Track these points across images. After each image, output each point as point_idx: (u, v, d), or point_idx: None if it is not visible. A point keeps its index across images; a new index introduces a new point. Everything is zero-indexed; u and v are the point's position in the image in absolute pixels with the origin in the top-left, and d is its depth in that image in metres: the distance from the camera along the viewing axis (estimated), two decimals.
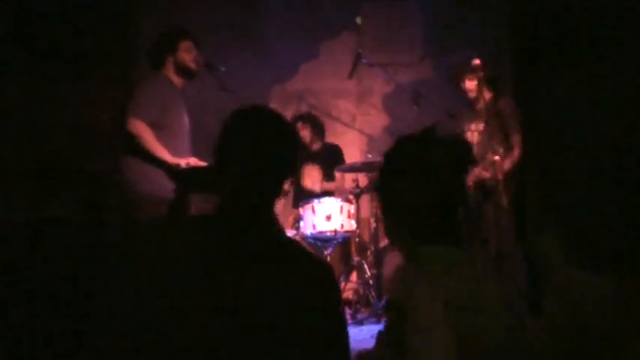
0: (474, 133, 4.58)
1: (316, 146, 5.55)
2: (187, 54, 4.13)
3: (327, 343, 1.39)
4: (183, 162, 3.86)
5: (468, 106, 4.63)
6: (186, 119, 4.15)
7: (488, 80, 4.52)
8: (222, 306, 1.33)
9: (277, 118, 1.61)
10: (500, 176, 4.22)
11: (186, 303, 1.32)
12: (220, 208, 1.48)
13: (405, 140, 1.60)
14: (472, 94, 4.52)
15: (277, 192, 1.55)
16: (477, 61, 4.47)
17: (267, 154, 1.50)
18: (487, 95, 4.55)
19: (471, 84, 4.51)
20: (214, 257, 1.38)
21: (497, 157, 4.31)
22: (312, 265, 1.47)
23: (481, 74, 4.42)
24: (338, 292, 1.52)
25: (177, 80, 4.13)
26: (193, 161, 3.90)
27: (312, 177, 5.50)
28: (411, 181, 1.46)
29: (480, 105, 4.48)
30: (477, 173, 4.32)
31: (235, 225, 1.44)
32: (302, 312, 1.36)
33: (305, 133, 5.47)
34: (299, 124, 5.48)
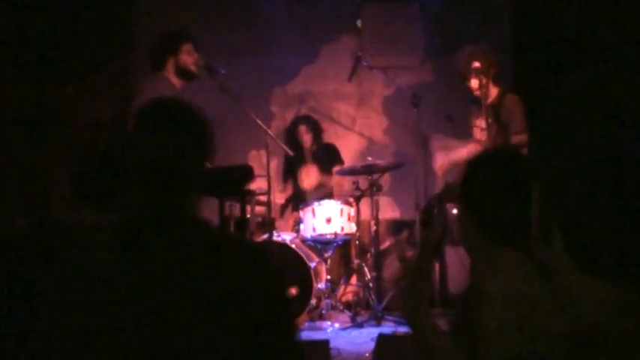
0: (478, 129, 4.57)
1: (312, 147, 5.55)
2: (189, 56, 4.12)
3: (269, 331, 1.33)
4: None
5: (473, 103, 4.62)
6: None
7: (495, 77, 4.51)
8: (153, 310, 1.28)
9: (180, 110, 1.49)
10: None
11: (112, 313, 1.28)
12: (132, 208, 1.41)
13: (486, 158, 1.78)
14: (477, 92, 4.51)
15: (189, 185, 1.46)
16: (476, 64, 4.46)
17: (169, 149, 1.41)
18: (493, 92, 4.53)
19: (475, 82, 4.51)
20: (138, 259, 1.33)
21: None
22: (244, 253, 1.39)
23: (483, 75, 4.41)
24: (273, 276, 1.42)
25: (176, 81, 4.12)
26: None
27: (309, 177, 5.49)
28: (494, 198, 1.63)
29: (486, 102, 4.47)
30: None
31: (150, 225, 1.38)
32: (238, 302, 1.30)
33: (307, 138, 5.46)
34: (302, 128, 5.46)
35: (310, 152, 5.51)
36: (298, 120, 5.57)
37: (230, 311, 1.29)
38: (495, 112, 4.47)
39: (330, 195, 5.40)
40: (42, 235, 1.53)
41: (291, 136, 5.51)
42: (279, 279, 1.48)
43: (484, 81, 4.44)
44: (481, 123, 4.51)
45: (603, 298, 1.28)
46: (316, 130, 5.51)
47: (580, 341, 1.25)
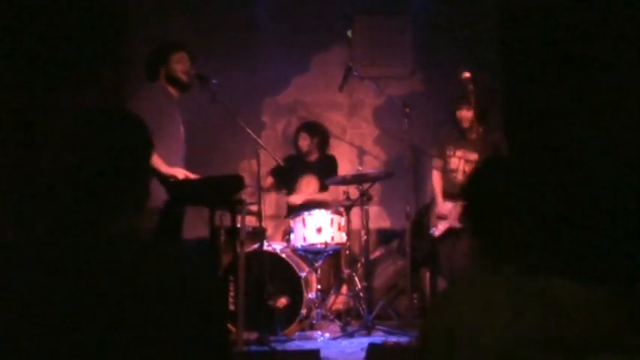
0: (460, 160, 4.66)
1: (314, 157, 5.54)
2: (178, 65, 4.12)
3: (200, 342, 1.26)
4: (180, 174, 3.84)
5: (455, 131, 4.70)
6: (182, 129, 4.15)
7: (480, 115, 4.60)
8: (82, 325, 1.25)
9: (114, 117, 1.40)
10: None
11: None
12: (59, 220, 1.32)
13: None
14: (465, 125, 4.61)
15: (122, 195, 1.35)
16: (466, 74, 4.50)
17: (95, 156, 1.33)
18: (480, 129, 4.61)
19: (466, 114, 4.61)
20: (64, 273, 1.28)
21: None
22: (172, 267, 1.31)
23: (475, 102, 4.50)
24: (204, 290, 1.33)
25: (172, 91, 4.13)
26: (191, 176, 3.90)
27: (309, 188, 5.50)
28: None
29: (473, 136, 4.55)
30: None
31: (75, 238, 1.33)
32: (167, 318, 1.27)
33: (305, 144, 5.47)
34: (302, 135, 5.49)
35: (310, 162, 5.52)
36: (302, 126, 5.60)
37: (160, 321, 1.26)
38: (484, 145, 4.55)
39: (324, 206, 5.41)
40: None
41: (294, 141, 5.56)
42: (210, 288, 1.41)
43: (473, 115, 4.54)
44: (466, 155, 4.60)
45: (584, 301, 1.30)
46: (319, 139, 5.52)
47: (563, 344, 1.26)
